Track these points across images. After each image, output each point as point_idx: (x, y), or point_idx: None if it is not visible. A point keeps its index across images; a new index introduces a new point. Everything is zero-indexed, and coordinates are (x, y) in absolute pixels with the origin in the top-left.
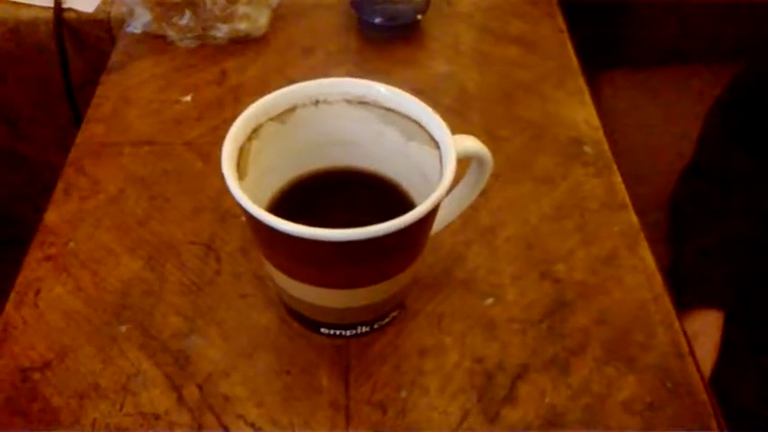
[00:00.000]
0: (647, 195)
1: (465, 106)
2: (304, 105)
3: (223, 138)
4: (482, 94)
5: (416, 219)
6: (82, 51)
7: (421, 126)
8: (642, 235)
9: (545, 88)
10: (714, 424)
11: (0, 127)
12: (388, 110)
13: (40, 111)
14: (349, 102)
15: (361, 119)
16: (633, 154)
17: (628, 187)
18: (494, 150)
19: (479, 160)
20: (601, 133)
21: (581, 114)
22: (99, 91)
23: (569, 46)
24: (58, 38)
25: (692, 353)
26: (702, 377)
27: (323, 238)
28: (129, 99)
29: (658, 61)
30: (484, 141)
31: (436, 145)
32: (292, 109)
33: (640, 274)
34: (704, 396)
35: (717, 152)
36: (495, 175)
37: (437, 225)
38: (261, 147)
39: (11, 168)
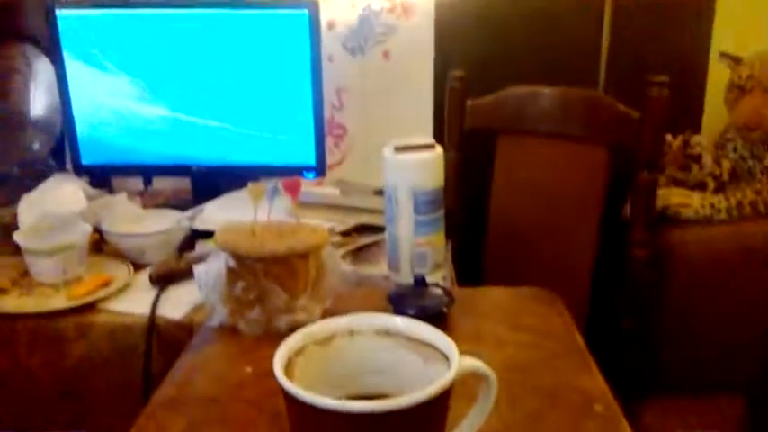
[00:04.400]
0: None
1: None
2: (342, 335)
3: (276, 395)
4: (501, 368)
5: (431, 396)
6: (163, 350)
7: (435, 348)
8: None
9: (557, 363)
10: None
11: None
12: (409, 338)
13: (116, 402)
14: (377, 333)
15: (387, 348)
16: None
17: None
18: (512, 409)
19: (485, 378)
20: (610, 396)
21: (591, 382)
22: (175, 365)
23: (576, 333)
24: (148, 340)
25: None
26: None
27: (350, 410)
28: (200, 369)
29: (697, 390)
30: (504, 406)
31: (447, 360)
32: (331, 337)
33: None
34: None
35: None
36: (510, 428)
37: None
38: (305, 365)
39: None
